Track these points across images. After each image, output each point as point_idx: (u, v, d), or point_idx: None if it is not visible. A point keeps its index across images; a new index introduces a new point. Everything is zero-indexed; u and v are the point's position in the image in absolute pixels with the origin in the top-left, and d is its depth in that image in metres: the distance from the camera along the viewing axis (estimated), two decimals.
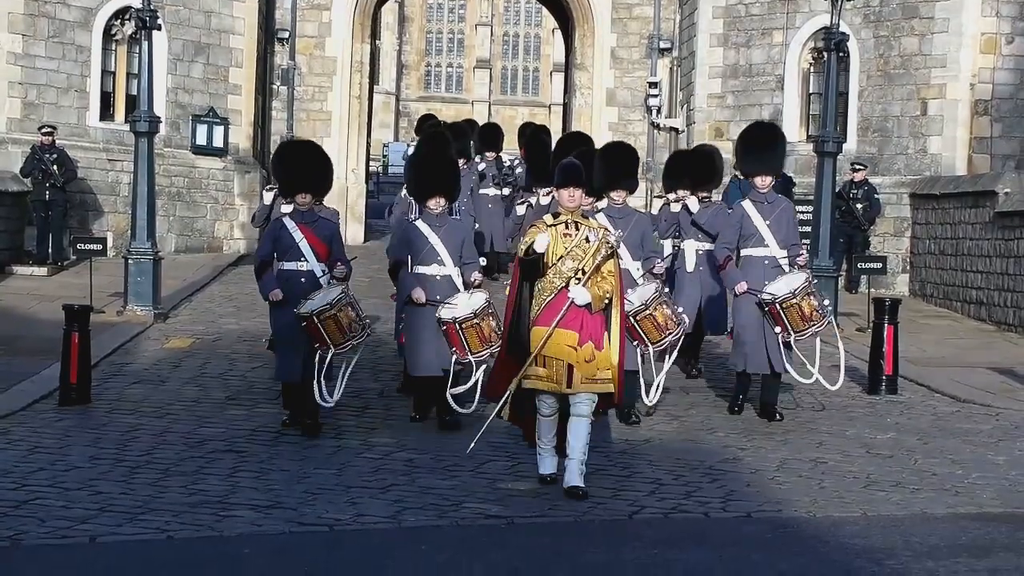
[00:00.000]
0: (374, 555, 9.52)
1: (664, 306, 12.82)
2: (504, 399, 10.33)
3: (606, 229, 10.24)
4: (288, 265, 12.43)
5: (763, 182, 13.35)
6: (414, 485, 11.23)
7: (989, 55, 26.52)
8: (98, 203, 27.05)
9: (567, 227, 10.11)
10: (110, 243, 23.75)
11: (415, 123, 26.07)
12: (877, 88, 27.43)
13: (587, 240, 9.99)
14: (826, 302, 13.54)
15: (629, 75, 31.71)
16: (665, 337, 12.80)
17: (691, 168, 15.89)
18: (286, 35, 31.05)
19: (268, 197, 17.40)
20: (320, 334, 11.79)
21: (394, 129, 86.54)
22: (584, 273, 9.87)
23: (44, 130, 25.42)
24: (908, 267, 25.82)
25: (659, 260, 13.44)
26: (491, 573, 8.73)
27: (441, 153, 14.72)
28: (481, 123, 27.70)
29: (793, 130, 27.65)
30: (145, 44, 22.26)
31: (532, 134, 19.65)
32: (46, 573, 8.98)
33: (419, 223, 13.05)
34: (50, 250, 25.07)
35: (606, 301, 10.07)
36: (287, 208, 14.37)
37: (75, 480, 11.57)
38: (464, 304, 12.16)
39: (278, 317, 12.63)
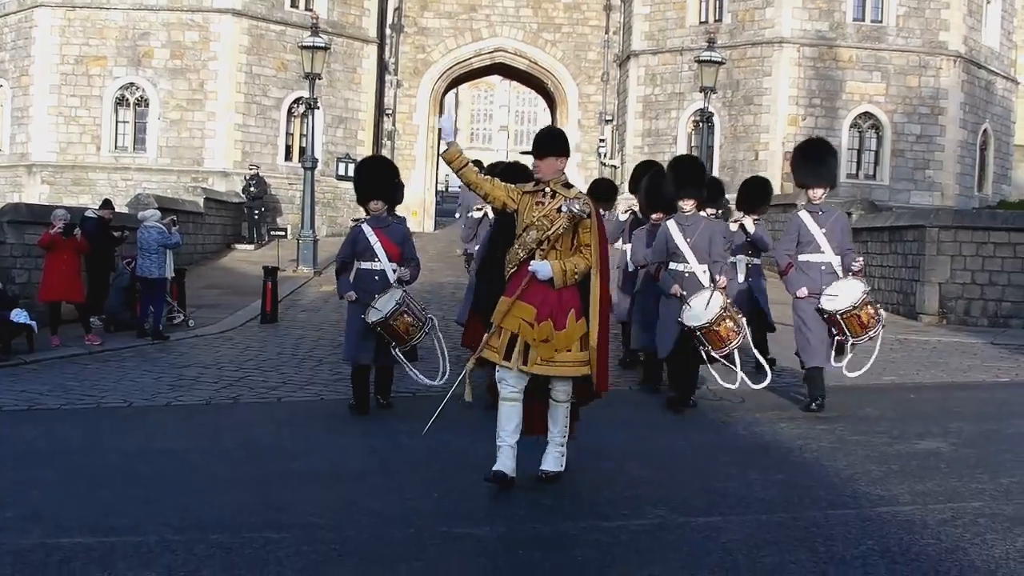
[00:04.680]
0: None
1: (727, 320, 8.36)
2: (462, 376, 6.23)
3: (585, 197, 6.11)
4: (365, 265, 8.71)
5: (816, 193, 8.79)
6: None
7: (793, 126, 26.55)
8: (282, 208, 27.04)
9: (543, 195, 6.06)
10: (289, 231, 23.75)
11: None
12: (730, 144, 27.30)
13: (559, 211, 5.90)
14: (879, 309, 8.93)
15: (588, 135, 31.49)
16: (727, 346, 8.44)
17: (749, 195, 11.26)
18: (390, 111, 30.84)
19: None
20: (386, 337, 8.44)
21: None
22: (549, 244, 5.95)
23: (251, 167, 25.50)
24: None
25: (722, 266, 8.77)
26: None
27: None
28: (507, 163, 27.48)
29: None
30: (310, 117, 22.41)
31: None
32: (251, 417, 9.05)
33: None
34: (255, 235, 25.15)
35: (576, 278, 5.98)
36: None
37: (268, 366, 11.62)
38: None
39: (351, 309, 8.80)
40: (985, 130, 29.12)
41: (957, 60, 27.13)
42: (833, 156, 9.30)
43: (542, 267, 5.94)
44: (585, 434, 7.61)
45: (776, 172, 25.89)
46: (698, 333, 8.36)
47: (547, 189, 6.11)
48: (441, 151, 5.56)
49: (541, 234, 5.98)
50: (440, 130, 5.74)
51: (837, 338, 8.66)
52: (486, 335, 6.09)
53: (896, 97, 26.82)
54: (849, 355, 8.79)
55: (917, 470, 6.66)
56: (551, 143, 6.20)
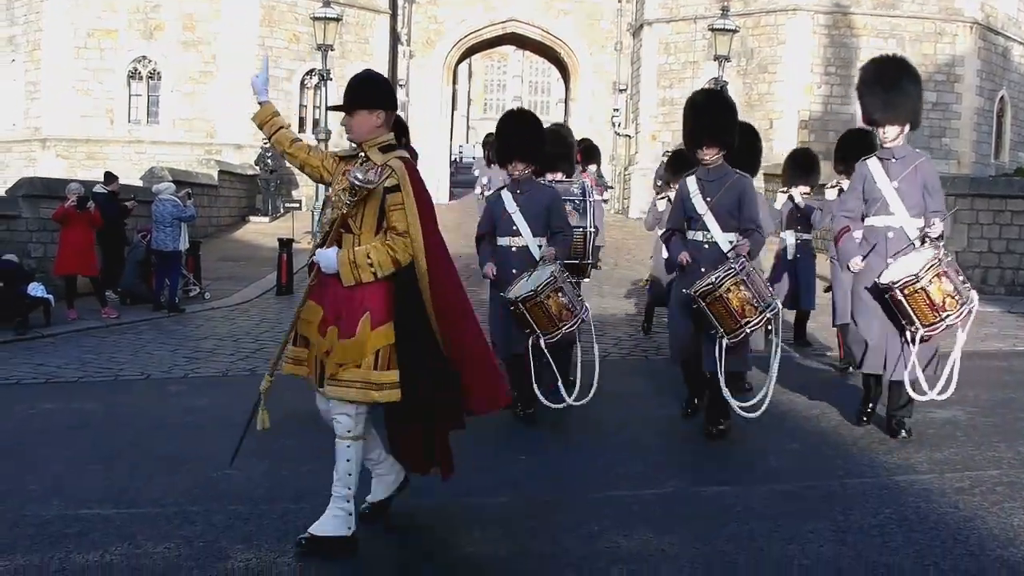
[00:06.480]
0: None
1: (741, 287, 6.04)
2: (257, 400, 4.89)
3: (399, 163, 4.45)
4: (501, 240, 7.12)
5: (886, 134, 6.46)
6: None
7: (808, 95, 26.42)
8: (296, 180, 26.99)
9: (356, 163, 4.59)
10: (303, 203, 23.77)
11: (480, 135, 25.63)
12: (745, 113, 26.66)
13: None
14: (966, 283, 6.43)
15: (602, 104, 31.35)
16: (740, 327, 6.09)
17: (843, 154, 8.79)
18: (403, 82, 30.79)
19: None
20: (527, 320, 6.63)
21: (465, 135, 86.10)
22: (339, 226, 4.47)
23: (265, 140, 25.46)
24: None
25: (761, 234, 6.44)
26: None
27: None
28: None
29: None
30: (322, 89, 22.34)
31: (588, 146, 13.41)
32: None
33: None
34: (270, 207, 25.16)
35: (374, 272, 4.32)
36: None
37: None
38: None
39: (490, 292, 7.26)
40: (1002, 97, 28.83)
41: (973, 27, 26.82)
42: (914, 82, 6.73)
43: (324, 256, 4.43)
44: (598, 404, 7.60)
45: (791, 140, 25.74)
46: (703, 304, 6.14)
47: (362, 154, 4.60)
48: (251, 115, 4.78)
49: (336, 213, 4.50)
50: (254, 88, 4.61)
51: (909, 333, 6.28)
52: (287, 344, 4.76)
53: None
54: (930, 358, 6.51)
55: (934, 439, 6.63)
56: (360, 93, 4.59)
